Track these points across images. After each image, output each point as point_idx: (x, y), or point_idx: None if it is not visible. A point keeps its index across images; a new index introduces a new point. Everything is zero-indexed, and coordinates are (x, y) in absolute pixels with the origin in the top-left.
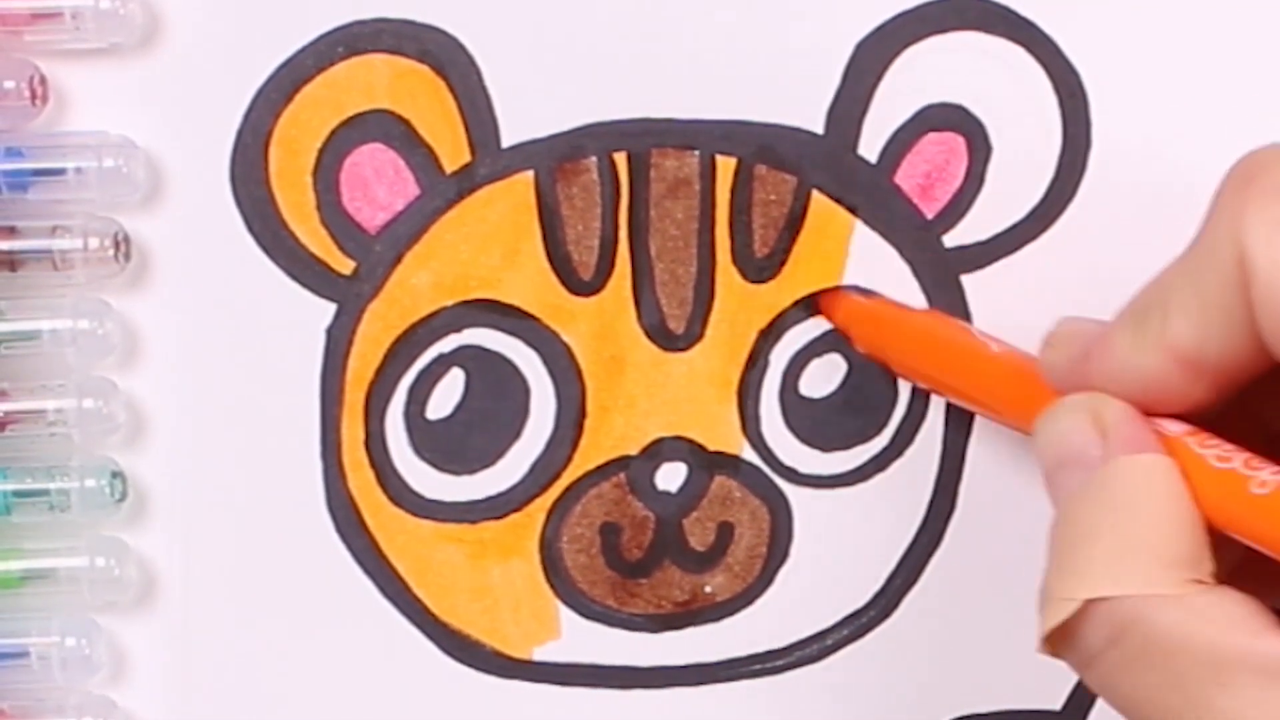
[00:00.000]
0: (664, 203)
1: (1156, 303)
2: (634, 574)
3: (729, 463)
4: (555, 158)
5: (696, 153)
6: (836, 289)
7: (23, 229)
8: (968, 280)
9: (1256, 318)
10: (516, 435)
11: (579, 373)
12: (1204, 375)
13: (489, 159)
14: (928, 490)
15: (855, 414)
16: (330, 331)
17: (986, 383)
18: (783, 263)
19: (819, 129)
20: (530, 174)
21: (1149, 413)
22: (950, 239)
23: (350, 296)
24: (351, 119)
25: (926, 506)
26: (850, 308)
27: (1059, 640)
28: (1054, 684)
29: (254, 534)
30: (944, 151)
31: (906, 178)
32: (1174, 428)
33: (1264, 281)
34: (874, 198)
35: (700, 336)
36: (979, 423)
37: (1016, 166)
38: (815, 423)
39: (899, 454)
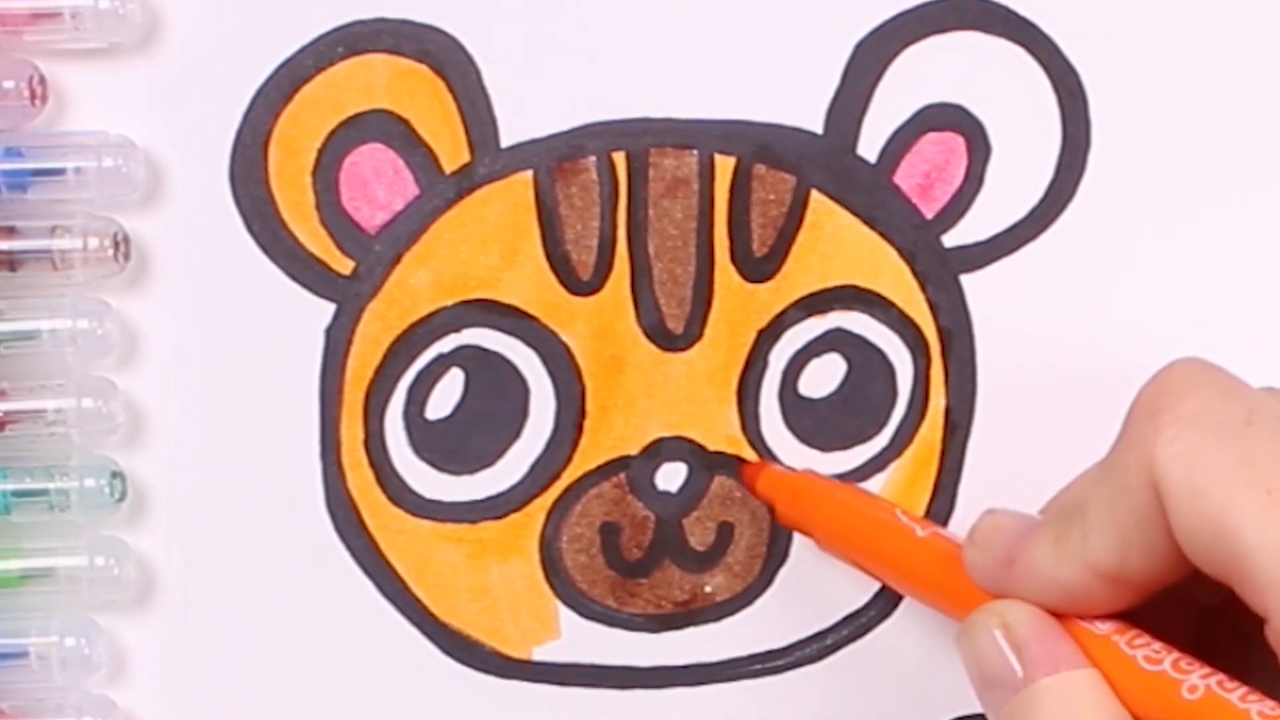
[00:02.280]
0: (662, 202)
1: (1076, 517)
2: (634, 574)
3: (729, 463)
4: (554, 157)
5: (695, 152)
6: (761, 462)
7: (22, 229)
8: (967, 280)
9: (1176, 539)
10: (516, 435)
11: (578, 373)
12: (1126, 586)
13: (488, 159)
14: (928, 490)
15: (855, 414)
16: (329, 331)
17: (911, 569)
18: (782, 262)
19: (818, 129)
20: (529, 174)
21: (1075, 616)
22: (950, 239)
23: (349, 296)
24: (351, 119)
25: (926, 506)
26: (773, 481)
27: None
28: None
29: (253, 534)
30: (943, 151)
31: (906, 177)
32: (1103, 627)
33: (1180, 512)
34: (873, 197)
35: (699, 336)
36: (978, 423)
37: (1016, 166)
38: (815, 423)
39: (899, 454)
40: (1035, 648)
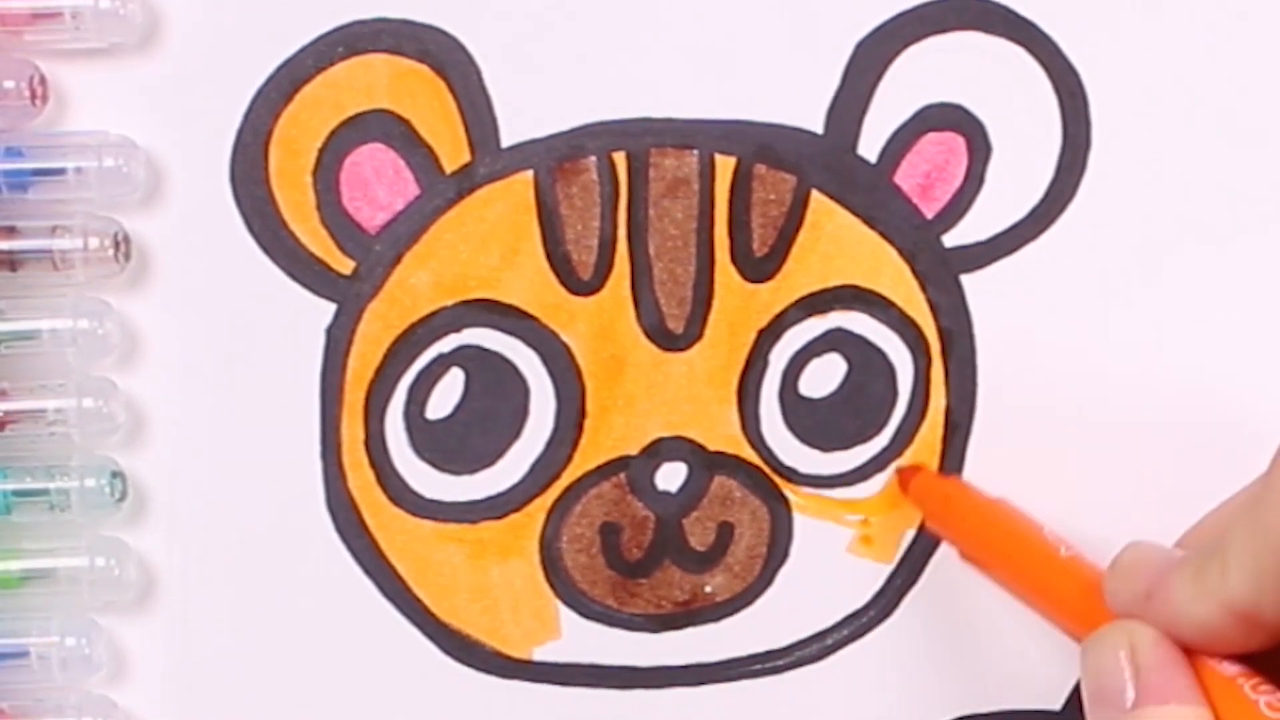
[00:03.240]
0: (663, 202)
1: (1216, 554)
2: (634, 574)
3: (729, 463)
4: (554, 157)
5: (696, 152)
6: (916, 466)
7: (23, 229)
8: (967, 280)
9: None
10: (516, 435)
11: (578, 373)
12: (1261, 628)
13: (488, 159)
14: None
15: (855, 414)
16: (330, 331)
17: (1050, 589)
18: (782, 262)
19: (818, 129)
20: (529, 174)
21: (1206, 653)
22: (950, 239)
23: (350, 296)
24: (351, 119)
25: (918, 464)
26: (925, 485)
27: None
28: (1054, 684)
29: (254, 534)
30: (944, 151)
31: (906, 177)
32: (1230, 669)
33: None
34: (873, 197)
35: (699, 336)
36: (979, 423)
37: (1016, 166)
38: (815, 423)
39: (899, 454)
40: (1154, 674)
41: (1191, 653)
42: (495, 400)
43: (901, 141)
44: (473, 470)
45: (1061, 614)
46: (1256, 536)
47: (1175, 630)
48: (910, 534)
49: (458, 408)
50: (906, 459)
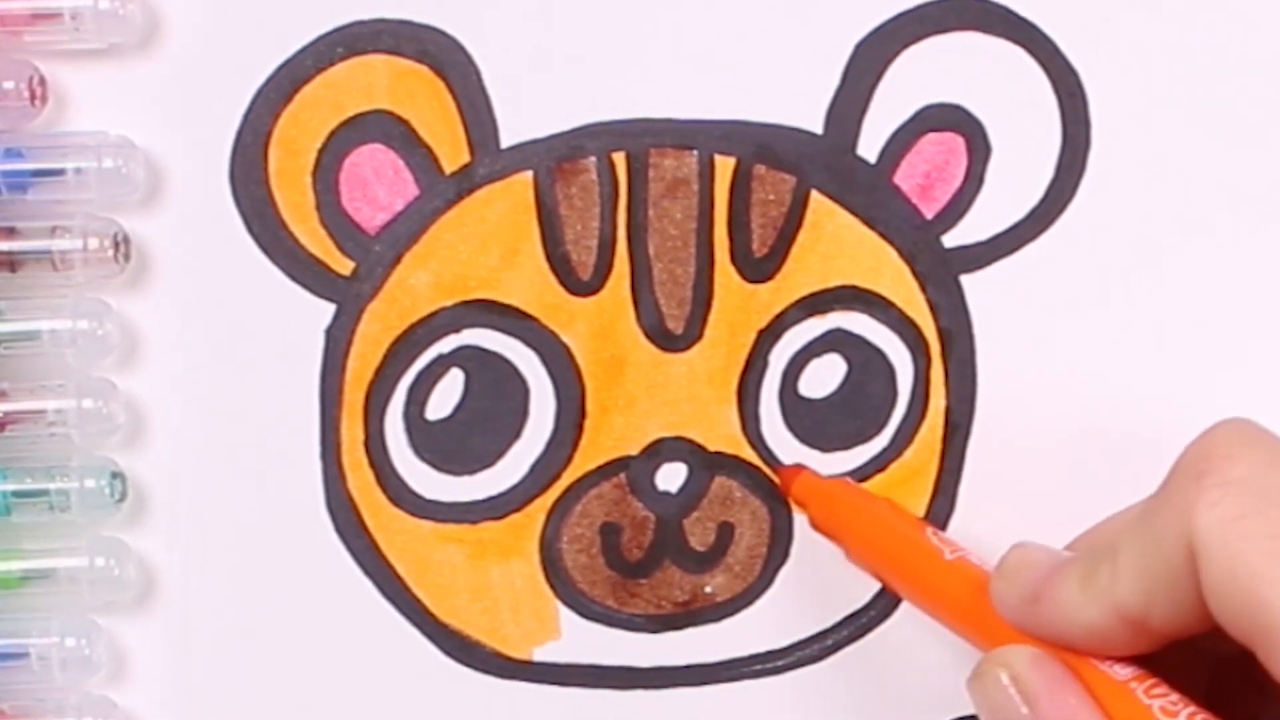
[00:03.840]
0: (662, 203)
1: (1106, 559)
2: (634, 574)
3: (729, 463)
4: (554, 158)
5: (695, 152)
6: (797, 467)
7: (22, 229)
8: (967, 280)
9: (1204, 598)
10: (516, 435)
11: (578, 373)
12: (1148, 633)
13: (488, 159)
14: (928, 490)
15: (855, 415)
16: (329, 332)
17: (935, 592)
18: (782, 263)
19: (818, 129)
20: (529, 174)
21: (1095, 656)
22: (950, 239)
23: (349, 297)
24: (351, 119)
25: (926, 506)
26: (808, 486)
27: None
28: None
29: (254, 534)
30: (943, 151)
31: (906, 178)
32: (1122, 672)
33: (1213, 575)
34: (873, 198)
35: (699, 337)
36: (978, 424)
37: (1016, 166)
38: (815, 423)
39: (899, 454)
40: (1045, 702)
41: (1081, 657)
42: (495, 401)
43: (901, 142)
44: (472, 471)
45: (951, 617)
46: (1149, 546)
47: (1063, 634)
48: None
49: (457, 408)
50: (906, 459)
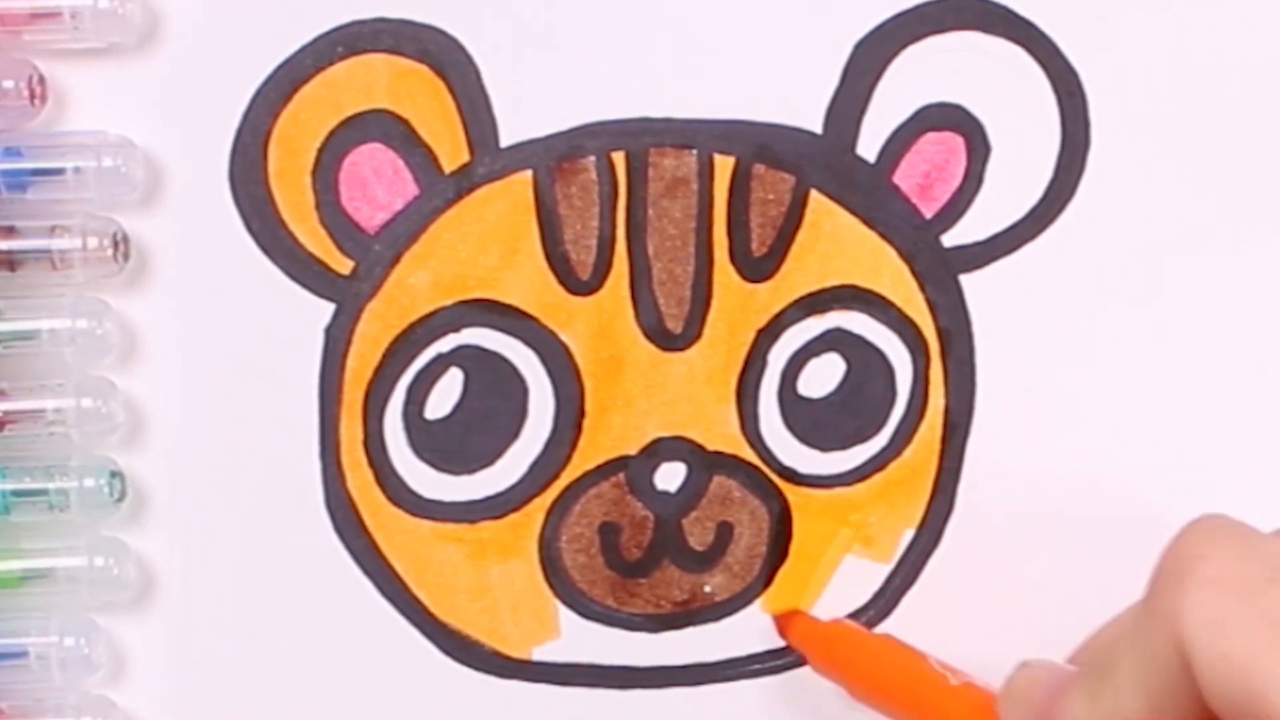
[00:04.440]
0: (662, 202)
1: (1108, 675)
2: (633, 574)
3: (728, 463)
4: (553, 157)
5: (695, 152)
6: (793, 612)
7: (22, 229)
8: (966, 280)
9: (1205, 699)
10: (515, 435)
11: (577, 372)
12: None
13: (487, 159)
14: (926, 491)
15: (854, 414)
16: (329, 331)
17: (946, 717)
18: (781, 262)
19: (817, 128)
20: (529, 174)
21: None
22: (949, 239)
23: (349, 296)
24: (350, 119)
25: (925, 506)
26: (806, 629)
27: None
28: None
29: (253, 534)
30: (943, 151)
31: (905, 177)
32: None
33: (1209, 677)
34: (872, 197)
35: (698, 336)
36: (978, 423)
37: (1015, 166)
38: (814, 423)
39: (898, 454)
40: None
41: None
42: (494, 400)
43: (900, 141)
44: (472, 470)
45: None
46: (1145, 659)
47: None
48: (910, 534)
49: (457, 408)
50: (905, 459)
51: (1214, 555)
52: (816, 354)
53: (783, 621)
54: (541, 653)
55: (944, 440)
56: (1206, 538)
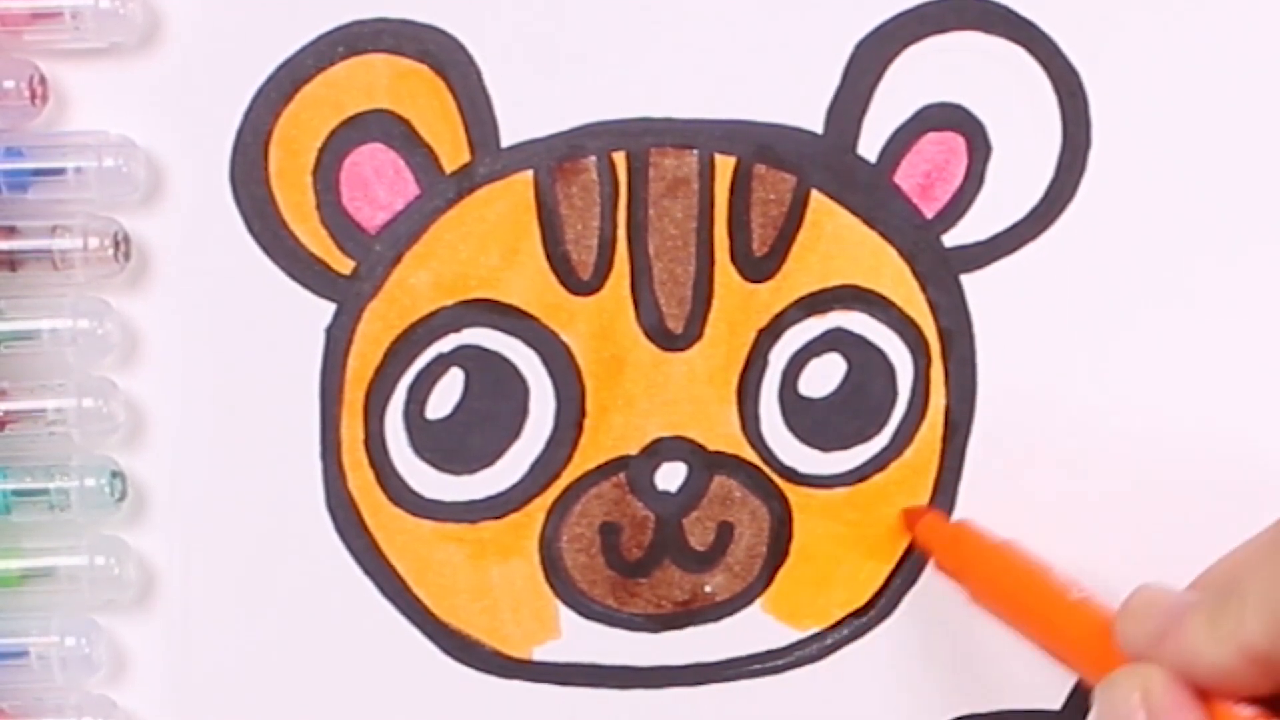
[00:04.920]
0: (663, 202)
1: (1234, 596)
2: (634, 574)
3: (729, 462)
4: (554, 157)
5: (695, 152)
6: (922, 508)
7: (23, 229)
8: (967, 280)
9: None
10: (516, 435)
11: (578, 372)
12: (1276, 674)
13: (488, 159)
14: (928, 490)
15: (855, 414)
16: (330, 331)
17: (1061, 631)
18: (782, 262)
19: (818, 128)
20: (529, 174)
21: (1221, 696)
22: (950, 239)
23: (350, 296)
24: (351, 119)
25: (926, 506)
26: (934, 528)
27: None
28: (1054, 684)
29: (254, 534)
30: (944, 151)
31: (906, 177)
32: (1245, 712)
33: None
34: (873, 197)
35: (699, 336)
36: (978, 423)
37: (1016, 166)
38: (815, 423)
39: (899, 454)
40: (1168, 718)
41: (1206, 695)
42: (495, 400)
43: (901, 141)
44: (472, 470)
45: (1074, 657)
46: (1272, 581)
47: (1189, 673)
48: (910, 534)
49: (457, 407)
50: (906, 459)
51: None
52: (817, 354)
53: (911, 516)
54: (542, 653)
55: (945, 440)
56: None
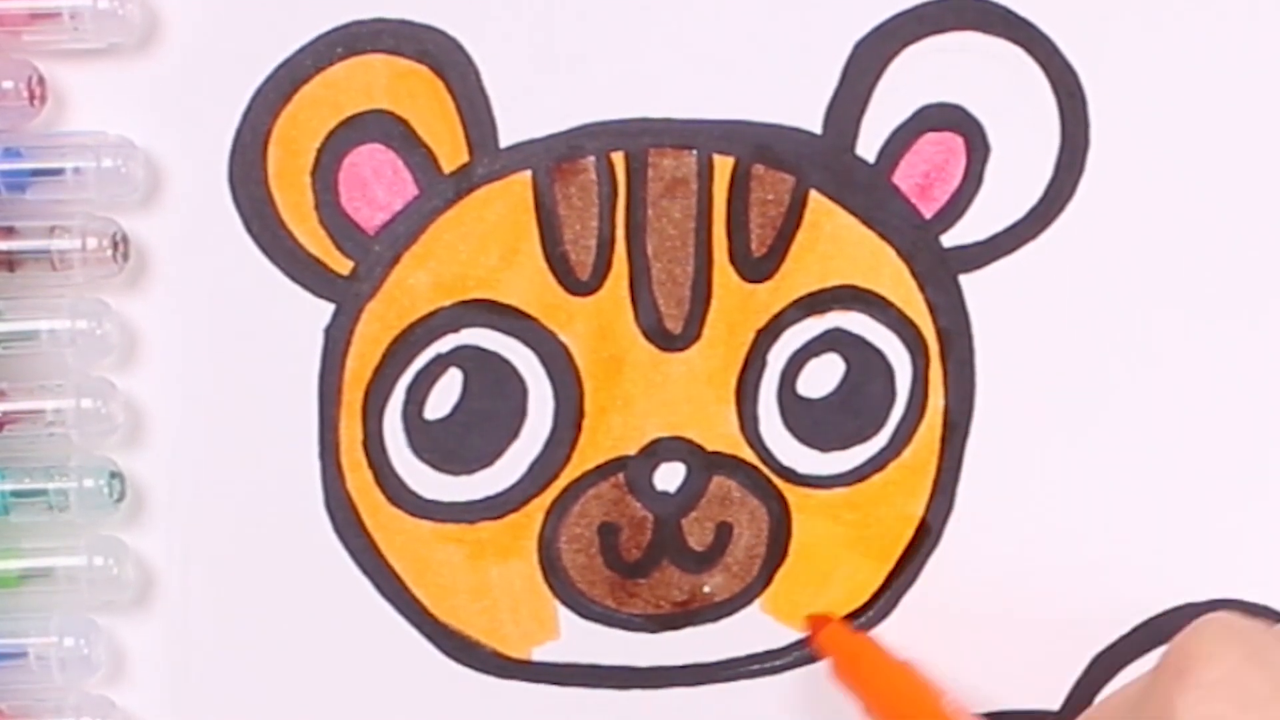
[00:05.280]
0: (661, 202)
1: None
2: (633, 574)
3: (727, 463)
4: (553, 158)
5: (694, 152)
6: (826, 616)
7: (21, 229)
8: (966, 280)
9: None
10: (514, 435)
11: (577, 373)
12: None
13: (487, 159)
14: (926, 490)
15: (854, 414)
16: (328, 331)
17: None
18: (780, 262)
19: (817, 129)
20: (528, 174)
21: None
22: (948, 239)
23: (348, 296)
24: (350, 119)
25: (925, 506)
26: (834, 637)
27: None
28: (1053, 684)
29: (252, 534)
30: (942, 151)
31: (905, 177)
32: None
33: None
34: (872, 197)
35: (698, 336)
36: (977, 423)
37: (1015, 166)
38: (814, 423)
39: (897, 454)
40: None
41: None
42: (493, 400)
43: (900, 141)
44: (471, 470)
45: None
46: None
47: None
48: (909, 534)
49: (456, 408)
50: (905, 459)
51: (1220, 657)
52: (816, 354)
53: (815, 623)
54: (541, 653)
55: (943, 440)
56: (1217, 638)
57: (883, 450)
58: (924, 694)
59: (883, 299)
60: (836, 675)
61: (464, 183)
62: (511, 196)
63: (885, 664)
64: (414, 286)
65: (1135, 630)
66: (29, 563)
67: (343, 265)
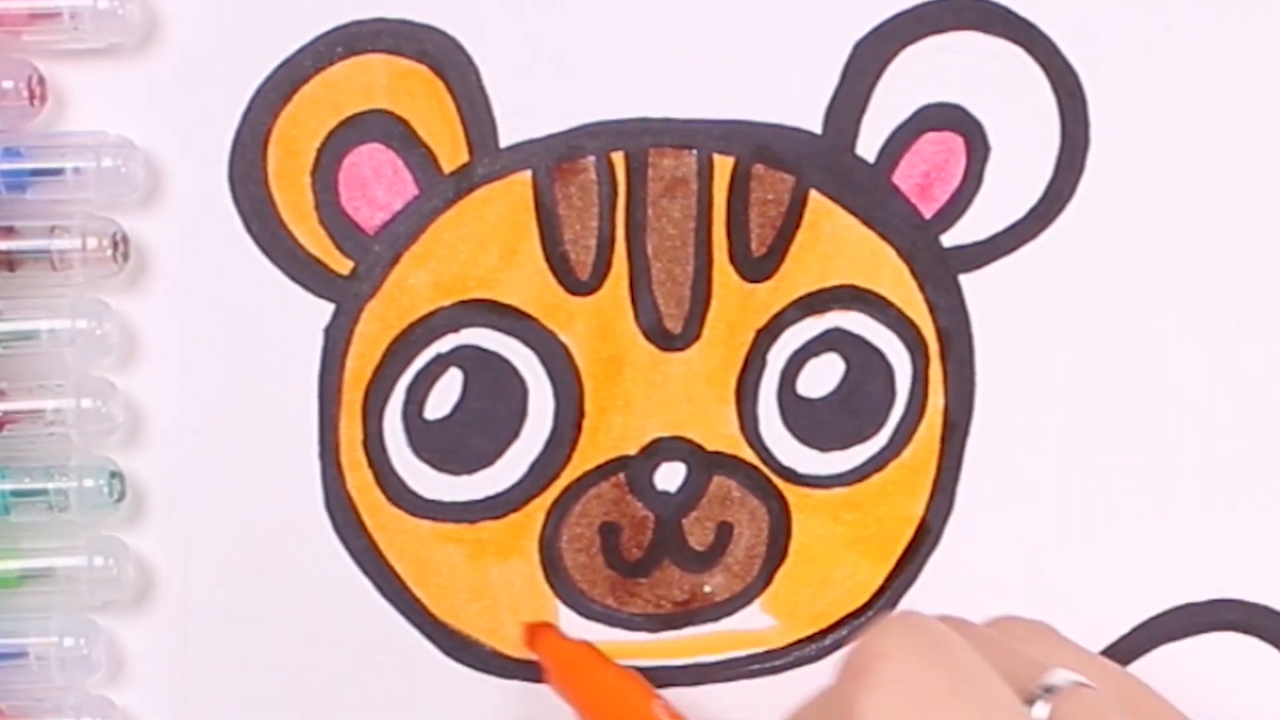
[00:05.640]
0: (661, 202)
1: None
2: (633, 574)
3: (728, 463)
4: (553, 157)
5: (694, 152)
6: (545, 624)
7: (21, 229)
8: (966, 280)
9: None
10: (515, 435)
11: (577, 373)
12: None
13: (487, 159)
14: (926, 490)
15: (853, 414)
16: (328, 331)
17: None
18: (780, 262)
19: (817, 129)
20: (528, 174)
21: None
22: (948, 239)
23: (348, 296)
24: (350, 119)
25: (925, 506)
26: (551, 644)
27: None
28: None
29: (252, 534)
30: (942, 151)
31: (905, 177)
32: None
33: None
34: (872, 197)
35: (698, 336)
36: (977, 423)
37: (1015, 166)
38: (813, 423)
39: (897, 454)
40: None
41: None
42: (494, 400)
43: (900, 141)
44: (471, 470)
45: None
46: None
47: None
48: (909, 534)
49: (456, 408)
50: (905, 459)
51: (900, 656)
52: (816, 354)
53: (532, 631)
54: None
55: (943, 440)
56: (897, 636)
57: (883, 450)
58: (636, 699)
59: (883, 299)
60: (550, 682)
61: (464, 183)
62: (511, 196)
63: (600, 670)
64: (414, 286)
65: (1135, 630)
66: (29, 563)
67: (343, 265)
